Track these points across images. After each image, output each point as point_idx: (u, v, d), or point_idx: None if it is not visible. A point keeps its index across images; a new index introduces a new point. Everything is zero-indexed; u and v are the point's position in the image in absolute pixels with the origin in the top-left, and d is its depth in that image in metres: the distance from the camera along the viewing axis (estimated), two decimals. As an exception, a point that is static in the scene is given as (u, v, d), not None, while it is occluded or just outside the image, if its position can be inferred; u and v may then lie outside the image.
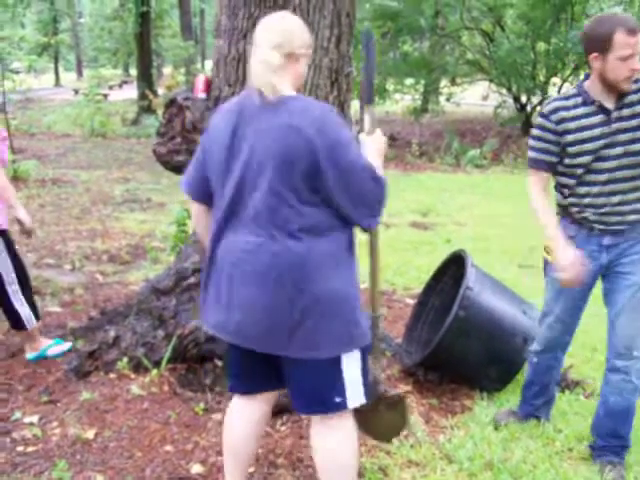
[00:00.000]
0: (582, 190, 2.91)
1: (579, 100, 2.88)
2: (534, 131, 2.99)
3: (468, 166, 13.72)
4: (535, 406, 3.39)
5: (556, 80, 16.31)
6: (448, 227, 8.20)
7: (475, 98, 21.47)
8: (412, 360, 3.86)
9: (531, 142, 3.01)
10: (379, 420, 2.76)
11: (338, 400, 2.34)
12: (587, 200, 2.91)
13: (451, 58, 18.68)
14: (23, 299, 3.91)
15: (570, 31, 14.45)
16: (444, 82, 19.57)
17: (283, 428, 3.28)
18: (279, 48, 2.28)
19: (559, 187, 3.03)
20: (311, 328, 2.24)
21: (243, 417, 2.57)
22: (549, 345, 3.22)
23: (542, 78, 16.18)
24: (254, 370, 2.50)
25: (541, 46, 15.84)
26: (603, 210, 2.89)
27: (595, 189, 2.88)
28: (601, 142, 2.82)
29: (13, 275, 3.86)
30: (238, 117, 2.30)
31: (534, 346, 3.30)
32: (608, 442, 3.07)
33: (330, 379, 2.33)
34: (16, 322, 3.93)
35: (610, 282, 2.99)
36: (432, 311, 4.21)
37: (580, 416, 3.48)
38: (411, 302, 5.00)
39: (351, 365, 2.34)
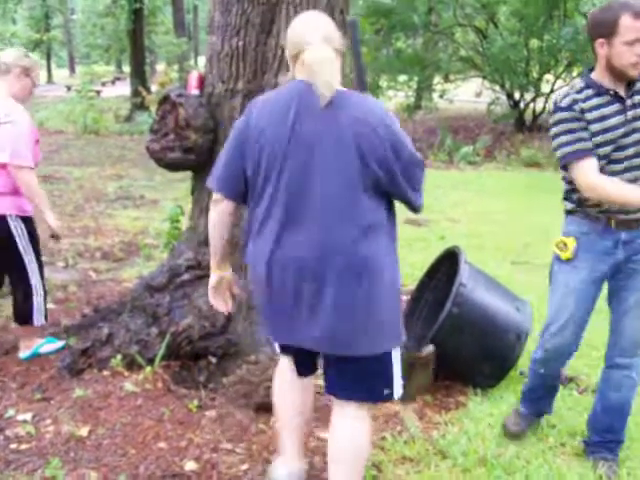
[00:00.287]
0: None
1: (590, 92, 2.81)
2: (559, 127, 2.82)
3: (461, 163, 13.73)
4: (541, 405, 3.36)
5: (549, 77, 16.33)
6: (442, 224, 8.21)
7: (468, 95, 21.46)
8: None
9: (561, 138, 2.81)
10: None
11: (387, 392, 2.45)
12: None
13: (444, 55, 18.69)
14: (42, 293, 3.92)
15: (563, 28, 14.47)
16: (437, 79, 19.57)
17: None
18: (330, 43, 2.31)
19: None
20: (379, 324, 2.32)
21: (294, 387, 2.74)
22: (558, 353, 3.08)
23: (535, 75, 16.20)
24: (304, 364, 2.67)
25: (534, 43, 15.85)
26: None
27: (615, 179, 2.80)
28: (620, 131, 2.77)
29: (34, 265, 3.87)
30: (296, 111, 2.28)
31: (539, 355, 3.15)
32: (603, 437, 3.07)
33: (383, 371, 2.42)
34: (26, 314, 3.92)
35: (620, 279, 2.93)
36: (426, 307, 4.21)
37: (574, 411, 3.49)
38: (405, 298, 5.00)
39: (397, 358, 2.44)
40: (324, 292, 2.26)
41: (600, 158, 2.79)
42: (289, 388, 2.74)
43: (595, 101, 2.79)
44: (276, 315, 2.44)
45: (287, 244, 2.30)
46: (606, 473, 2.95)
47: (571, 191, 2.94)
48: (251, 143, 2.35)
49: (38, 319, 3.94)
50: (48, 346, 4.03)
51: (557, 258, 3.00)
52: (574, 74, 16.08)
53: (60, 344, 4.05)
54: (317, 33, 2.31)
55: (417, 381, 3.14)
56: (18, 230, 3.80)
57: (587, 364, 3.98)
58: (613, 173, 2.80)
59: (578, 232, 2.91)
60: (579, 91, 2.82)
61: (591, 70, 2.88)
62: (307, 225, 2.27)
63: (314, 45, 2.28)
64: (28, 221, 3.87)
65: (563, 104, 2.81)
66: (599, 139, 2.77)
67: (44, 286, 3.98)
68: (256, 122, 2.36)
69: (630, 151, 2.79)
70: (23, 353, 3.98)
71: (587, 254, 2.89)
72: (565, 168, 2.86)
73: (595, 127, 2.77)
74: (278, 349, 2.73)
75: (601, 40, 2.73)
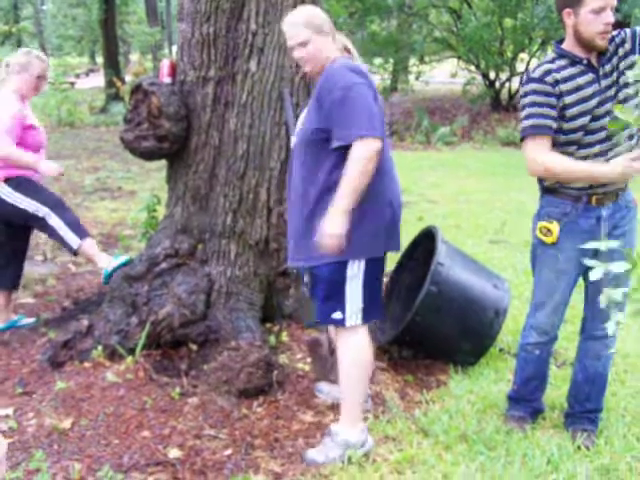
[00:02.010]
0: (583, 153, 2.82)
1: (563, 62, 2.79)
2: (527, 98, 2.81)
3: (438, 144, 13.78)
4: (537, 400, 3.26)
5: (524, 56, 16.39)
6: (420, 205, 8.24)
7: (444, 76, 21.50)
8: (386, 337, 3.90)
9: (527, 110, 2.81)
10: None
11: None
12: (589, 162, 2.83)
13: (419, 36, 18.66)
14: (60, 221, 4.10)
15: (536, 6, 14.52)
16: (413, 61, 19.59)
17: (259, 409, 3.30)
18: None
19: None
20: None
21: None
22: (551, 333, 3.09)
23: (510, 54, 16.27)
24: None
25: (508, 22, 15.89)
26: None
27: (594, 149, 2.81)
28: (594, 101, 2.76)
29: (45, 210, 4.07)
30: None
31: (532, 339, 3.11)
32: (584, 407, 3.12)
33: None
34: (68, 246, 4.16)
35: (599, 254, 2.84)
36: (404, 288, 4.24)
37: (553, 386, 3.54)
38: (384, 280, 5.02)
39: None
40: None
41: (578, 130, 2.78)
42: None
43: (569, 71, 2.78)
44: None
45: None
46: (584, 443, 3.00)
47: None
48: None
49: (74, 241, 4.09)
50: (24, 320, 4.35)
51: (540, 243, 2.98)
52: (548, 52, 16.14)
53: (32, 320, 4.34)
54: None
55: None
56: (7, 194, 4.03)
57: (564, 337, 4.03)
58: (593, 144, 2.80)
59: (559, 214, 2.89)
60: (551, 61, 2.81)
61: (560, 42, 2.87)
62: None
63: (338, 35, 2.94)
64: (12, 181, 4.05)
65: (535, 74, 2.79)
66: (575, 110, 2.76)
67: (65, 218, 4.13)
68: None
69: (605, 121, 2.78)
70: None
71: (570, 234, 2.89)
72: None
73: (571, 98, 2.76)
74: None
75: (568, 10, 2.72)
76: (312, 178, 2.78)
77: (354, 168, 2.62)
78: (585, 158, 2.82)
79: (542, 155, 2.80)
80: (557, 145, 2.84)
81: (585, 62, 2.77)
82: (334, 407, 3.26)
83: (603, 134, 2.80)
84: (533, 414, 3.25)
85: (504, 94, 16.71)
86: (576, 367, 3.17)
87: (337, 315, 2.82)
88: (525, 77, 2.87)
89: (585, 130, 2.79)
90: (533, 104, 2.79)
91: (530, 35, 15.62)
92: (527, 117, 2.82)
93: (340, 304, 2.81)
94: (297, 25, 2.78)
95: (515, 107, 16.27)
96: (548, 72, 2.78)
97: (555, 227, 2.90)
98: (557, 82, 2.76)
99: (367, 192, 2.68)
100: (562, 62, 2.80)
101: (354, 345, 2.89)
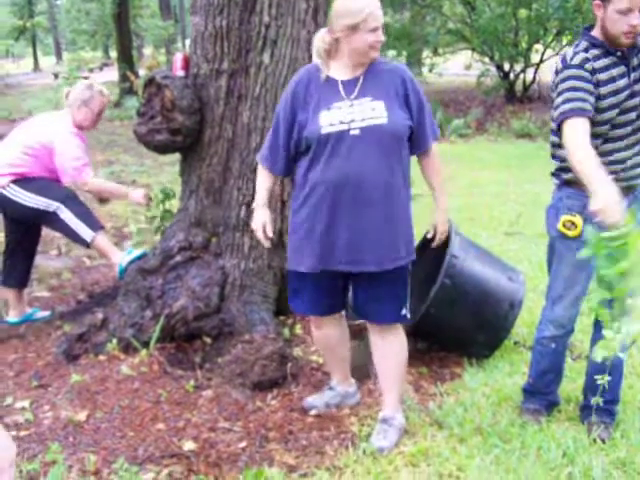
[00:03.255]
0: (608, 147, 2.78)
1: (597, 51, 2.73)
2: (566, 83, 2.71)
3: (452, 136, 13.69)
4: (553, 392, 3.23)
5: (538, 47, 16.24)
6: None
7: (458, 68, 21.38)
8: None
9: (567, 94, 2.69)
10: None
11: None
12: (614, 156, 2.79)
13: (433, 28, 18.55)
14: (70, 213, 4.06)
15: (551, -4, 14.39)
16: (426, 53, 19.49)
17: (274, 402, 3.31)
18: None
19: None
20: None
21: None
22: (568, 326, 3.06)
23: (524, 45, 16.12)
24: None
25: (522, 13, 15.75)
26: (628, 164, 2.80)
27: (621, 144, 2.77)
28: (625, 94, 2.72)
29: (55, 204, 4.03)
30: None
31: (548, 332, 3.08)
32: (602, 397, 3.03)
33: None
34: (79, 241, 4.16)
35: None
36: (419, 280, 4.21)
37: (568, 378, 3.51)
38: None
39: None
40: None
41: (605, 123, 2.74)
42: None
43: (604, 61, 2.72)
44: None
45: None
46: (600, 435, 2.97)
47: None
48: None
49: (87, 234, 4.07)
50: (39, 314, 4.38)
51: (561, 236, 2.92)
52: (563, 43, 16.01)
53: (47, 313, 4.39)
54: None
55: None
56: (16, 194, 4.00)
57: (580, 330, 3.99)
58: (620, 138, 2.77)
59: (581, 207, 2.80)
60: (586, 50, 2.74)
61: (589, 28, 2.80)
62: None
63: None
64: (20, 181, 4.02)
65: (574, 61, 2.72)
66: (606, 103, 2.71)
67: (77, 211, 4.11)
68: None
69: (633, 115, 2.76)
70: (12, 318, 4.25)
71: (591, 227, 2.81)
72: (559, 128, 2.75)
73: (606, 89, 2.71)
74: None
75: (598, 2, 2.67)
76: (396, 176, 2.77)
77: (441, 165, 2.95)
78: (609, 153, 2.78)
79: (583, 137, 2.65)
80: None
81: (619, 54, 2.72)
82: (348, 400, 3.26)
83: (630, 128, 2.76)
84: (548, 407, 3.22)
85: (519, 86, 16.60)
86: (591, 360, 3.11)
87: (404, 311, 2.94)
88: (560, 64, 2.78)
89: (612, 124, 2.75)
90: (573, 89, 2.69)
91: (545, 26, 15.47)
92: (567, 101, 2.70)
93: (406, 300, 2.94)
94: (380, 5, 2.72)
95: (530, 98, 16.18)
96: (586, 60, 2.71)
97: (579, 220, 2.84)
98: (595, 71, 2.70)
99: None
100: (596, 51, 2.73)
101: (403, 338, 3.04)
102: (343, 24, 2.67)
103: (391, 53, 18.14)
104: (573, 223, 2.86)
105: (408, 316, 2.97)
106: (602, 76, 2.71)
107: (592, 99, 2.69)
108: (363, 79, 2.76)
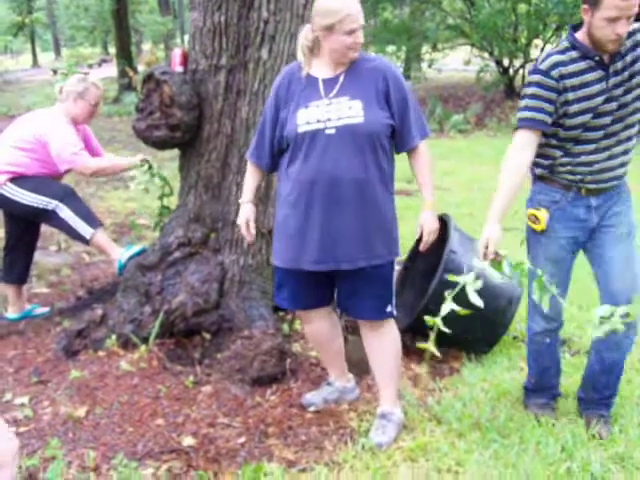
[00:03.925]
0: (577, 149, 2.79)
1: (575, 54, 2.70)
2: (529, 89, 2.75)
3: (452, 131, 13.70)
4: (556, 387, 3.26)
5: (538, 42, 16.22)
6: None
7: (457, 63, 21.36)
8: (399, 325, 3.88)
9: (526, 101, 2.75)
10: None
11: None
12: (581, 159, 2.79)
13: (432, 24, 18.52)
14: (69, 212, 4.04)
15: (550, -8, 14.36)
16: (425, 48, 19.44)
17: (273, 397, 3.31)
18: None
19: (548, 150, 2.85)
20: None
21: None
22: (558, 318, 3.05)
23: (524, 40, 16.09)
24: None
25: (522, 8, 15.73)
26: (595, 167, 2.79)
27: (591, 147, 2.77)
28: (600, 98, 2.69)
29: (54, 203, 4.01)
30: None
31: (539, 327, 3.08)
32: (602, 394, 3.06)
33: None
34: (78, 238, 4.13)
35: (596, 239, 2.90)
36: (417, 276, 4.22)
37: (566, 374, 3.51)
38: (396, 268, 5.01)
39: None
40: None
41: (576, 127, 2.74)
42: None
43: (578, 65, 2.69)
44: None
45: None
46: (599, 431, 2.98)
47: (542, 156, 2.88)
48: None
49: (86, 231, 4.05)
50: (38, 310, 4.38)
51: (531, 230, 2.97)
52: (562, 38, 15.98)
53: (46, 309, 4.38)
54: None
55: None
56: (14, 193, 3.98)
57: (578, 326, 4.01)
58: (591, 142, 2.76)
59: (549, 201, 2.88)
60: (563, 51, 2.72)
61: (575, 28, 2.77)
62: None
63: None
64: (18, 180, 4.00)
65: (542, 66, 2.72)
66: (576, 107, 2.70)
67: (75, 208, 4.08)
68: None
69: (608, 119, 2.73)
70: (11, 315, 4.27)
71: (560, 223, 2.88)
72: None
73: (574, 95, 2.69)
74: None
75: (586, 6, 2.62)
76: (371, 174, 2.75)
77: (431, 163, 2.90)
78: (578, 155, 2.79)
79: (516, 148, 2.79)
80: (556, 139, 2.81)
81: (597, 58, 2.68)
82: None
83: (602, 132, 2.75)
84: (553, 399, 3.24)
85: (518, 81, 16.57)
86: (592, 358, 3.07)
87: (389, 308, 2.95)
88: (533, 65, 2.81)
89: (585, 127, 2.74)
90: (534, 96, 2.73)
91: (544, 21, 15.43)
92: (525, 108, 2.76)
93: (390, 297, 2.95)
94: (360, 8, 2.69)
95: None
96: (555, 65, 2.70)
97: (543, 215, 2.87)
98: (562, 77, 2.69)
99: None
100: (573, 54, 2.71)
101: (395, 334, 3.06)
102: (320, 24, 2.67)
103: (390, 48, 18.13)
104: (537, 217, 2.89)
105: (394, 313, 2.97)
106: (573, 81, 2.68)
107: (551, 108, 2.71)
108: (344, 78, 2.75)
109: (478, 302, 2.66)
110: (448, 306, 2.72)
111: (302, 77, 2.79)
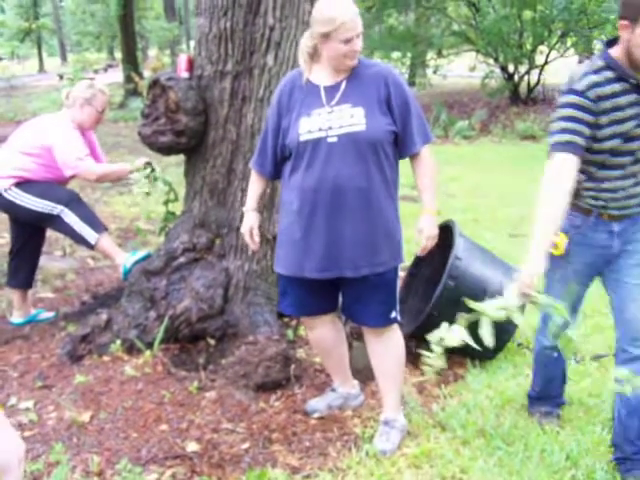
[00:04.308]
0: (601, 174, 2.62)
1: (610, 75, 2.49)
2: (565, 111, 2.53)
3: (457, 137, 13.70)
4: (561, 396, 3.22)
5: (543, 48, 16.22)
6: (438, 199, 8.06)
7: (462, 69, 21.37)
8: (404, 331, 3.87)
9: (561, 124, 2.53)
10: None
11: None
12: (605, 185, 2.63)
13: (437, 30, 18.55)
14: (74, 216, 4.05)
15: (555, -2, 14.37)
16: (430, 54, 19.48)
17: (277, 403, 3.31)
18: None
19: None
20: None
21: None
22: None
23: (529, 47, 16.10)
24: None
25: (527, 14, 15.74)
26: (620, 194, 2.63)
27: (617, 172, 2.60)
28: (633, 123, 2.52)
29: (60, 206, 4.02)
30: None
31: (548, 342, 2.98)
32: (638, 446, 2.74)
33: None
34: (82, 242, 4.15)
35: (614, 264, 2.73)
36: (422, 282, 4.22)
37: (571, 381, 3.50)
38: (401, 274, 5.01)
39: None
40: None
41: (604, 152, 2.58)
42: None
43: (614, 87, 2.50)
44: None
45: None
46: None
47: None
48: None
49: (91, 236, 4.07)
50: (43, 315, 4.40)
51: (550, 253, 2.77)
52: (568, 44, 15.99)
53: (52, 314, 4.42)
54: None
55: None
56: (19, 198, 3.99)
57: (583, 333, 4.00)
58: (617, 167, 2.60)
59: (569, 226, 2.71)
60: (597, 71, 2.52)
61: (610, 43, 2.56)
62: None
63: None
64: (23, 185, 4.02)
65: (579, 87, 2.51)
66: (607, 131, 2.53)
67: (80, 213, 4.10)
68: None
69: (636, 144, 2.57)
70: (16, 319, 4.29)
71: (580, 247, 2.73)
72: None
73: (607, 118, 2.51)
74: None
75: (625, 22, 2.39)
76: (374, 182, 2.73)
77: (433, 169, 2.89)
78: (602, 180, 2.63)
79: (557, 173, 2.54)
80: (581, 162, 2.58)
81: (633, 81, 2.49)
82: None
83: (632, 158, 2.60)
84: (557, 407, 3.21)
85: (523, 87, 16.57)
86: (616, 401, 2.78)
87: (393, 314, 2.93)
88: (567, 85, 2.57)
89: (613, 152, 2.58)
90: (570, 119, 2.52)
91: (549, 27, 15.45)
92: (562, 131, 2.54)
93: (394, 304, 2.93)
94: (358, 15, 2.67)
95: (534, 100, 16.15)
96: (592, 86, 2.50)
97: (562, 240, 2.71)
98: (599, 99, 2.49)
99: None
100: (609, 74, 2.51)
101: (399, 339, 3.04)
102: (317, 31, 2.68)
103: (396, 55, 18.15)
104: (555, 243, 2.69)
105: (398, 318, 2.96)
106: (607, 104, 2.50)
107: (588, 131, 2.52)
108: (345, 85, 2.74)
109: (488, 339, 2.46)
110: (456, 335, 2.55)
111: (303, 84, 2.80)
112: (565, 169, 2.52)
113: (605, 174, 2.63)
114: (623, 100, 2.50)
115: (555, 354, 2.99)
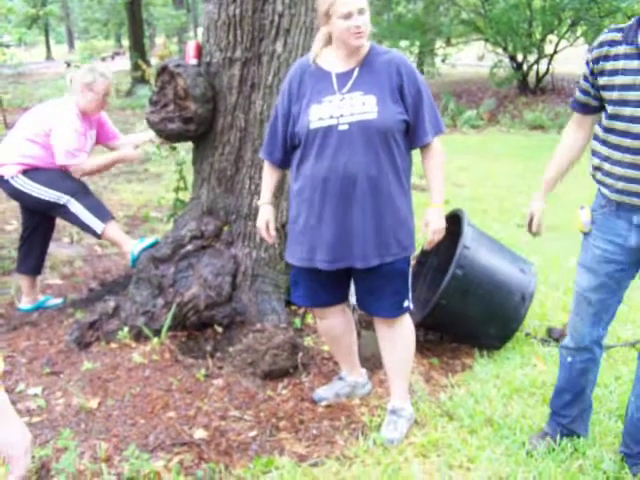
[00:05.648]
0: (627, 143, 2.44)
1: (618, 36, 2.44)
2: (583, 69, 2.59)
3: (465, 127, 13.66)
4: (568, 417, 2.88)
5: (552, 37, 16.11)
6: (446, 188, 8.14)
7: (471, 58, 21.24)
8: (412, 320, 3.87)
9: (579, 83, 2.64)
10: None
11: None
12: (617, 169, 2.49)
13: (446, 19, 18.44)
14: (80, 205, 4.07)
15: (566, -14, 14.27)
16: (439, 43, 19.37)
17: (284, 391, 3.31)
18: None
19: (597, 145, 2.60)
20: None
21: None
22: (580, 343, 2.74)
23: (538, 36, 15.98)
24: None
25: (537, 3, 15.63)
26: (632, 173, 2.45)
27: (628, 157, 2.45)
28: (636, 93, 2.38)
29: (67, 196, 4.04)
30: None
31: (565, 341, 2.82)
32: None
33: None
34: (90, 231, 4.16)
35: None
36: (431, 271, 4.22)
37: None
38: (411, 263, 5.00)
39: None
40: None
41: (622, 118, 2.43)
42: None
43: (616, 49, 2.43)
44: None
45: None
46: None
47: (592, 153, 2.64)
48: None
49: (97, 225, 4.09)
50: (51, 301, 4.42)
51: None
52: (578, 34, 15.87)
53: (60, 300, 4.37)
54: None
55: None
56: (26, 186, 4.01)
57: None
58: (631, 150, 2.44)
59: (597, 204, 2.62)
60: (611, 31, 2.49)
61: None
62: None
63: None
64: (30, 173, 4.03)
65: (594, 42, 2.53)
66: (616, 95, 2.44)
67: (86, 203, 4.11)
68: None
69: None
70: (24, 305, 4.31)
71: (599, 231, 2.60)
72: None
73: (605, 80, 2.46)
74: None
75: None
76: (384, 171, 2.70)
77: (442, 161, 2.86)
78: (628, 150, 2.44)
79: (566, 129, 2.75)
80: (604, 130, 2.53)
81: (636, 45, 2.38)
82: (359, 390, 3.26)
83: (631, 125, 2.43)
84: (562, 434, 2.89)
85: (532, 77, 16.48)
86: (632, 403, 2.72)
87: (406, 303, 2.92)
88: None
89: (633, 119, 2.41)
90: (582, 76, 2.60)
91: (559, 16, 15.33)
92: (577, 89, 2.68)
93: (407, 293, 2.92)
94: None
95: (543, 90, 16.06)
96: (601, 44, 2.48)
97: (583, 215, 2.64)
98: (600, 58, 2.47)
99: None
100: (618, 35, 2.44)
101: (410, 328, 3.04)
102: (320, 13, 2.68)
103: (404, 43, 18.06)
104: (578, 216, 2.67)
105: (411, 307, 2.95)
106: (606, 65, 2.46)
107: (590, 88, 2.56)
108: (358, 72, 2.71)
109: None
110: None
111: (314, 71, 2.77)
112: (570, 125, 2.73)
113: (629, 143, 2.43)
114: (620, 64, 2.42)
115: (569, 359, 2.81)
